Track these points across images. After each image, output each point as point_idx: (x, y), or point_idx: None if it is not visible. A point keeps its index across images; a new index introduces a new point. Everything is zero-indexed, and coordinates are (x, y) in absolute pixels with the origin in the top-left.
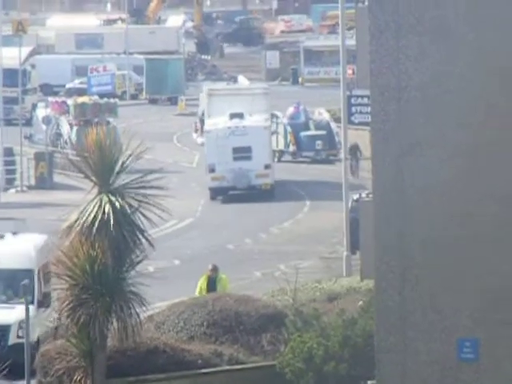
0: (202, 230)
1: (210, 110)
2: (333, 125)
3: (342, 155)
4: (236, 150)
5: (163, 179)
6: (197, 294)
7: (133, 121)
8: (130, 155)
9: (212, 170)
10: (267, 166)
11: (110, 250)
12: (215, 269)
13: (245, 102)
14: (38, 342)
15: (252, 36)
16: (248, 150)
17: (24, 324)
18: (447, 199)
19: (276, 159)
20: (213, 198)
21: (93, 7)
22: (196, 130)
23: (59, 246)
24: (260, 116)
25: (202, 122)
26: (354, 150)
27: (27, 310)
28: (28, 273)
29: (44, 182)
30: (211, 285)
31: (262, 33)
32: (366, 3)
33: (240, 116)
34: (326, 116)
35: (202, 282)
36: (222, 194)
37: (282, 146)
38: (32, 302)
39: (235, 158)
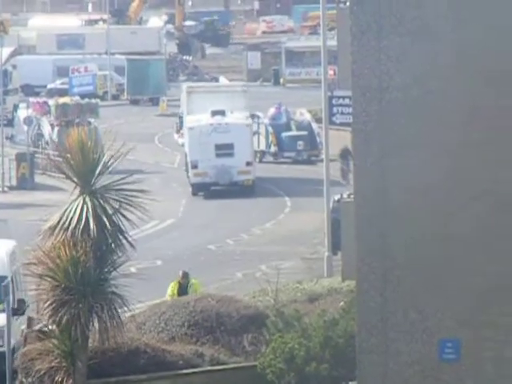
0: (183, 231)
1: (190, 108)
2: (314, 125)
3: (323, 156)
4: (218, 147)
5: (144, 180)
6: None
7: (114, 121)
8: (112, 156)
9: (195, 167)
10: (249, 163)
11: (92, 251)
12: (186, 275)
13: (224, 99)
14: (13, 350)
15: (218, 37)
16: (230, 146)
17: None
18: (429, 200)
19: (257, 160)
20: (195, 193)
21: (74, 8)
22: (177, 131)
23: (41, 246)
24: (240, 113)
25: (182, 122)
26: (345, 154)
27: (8, 313)
28: (2, 279)
29: (25, 183)
30: (183, 291)
31: (229, 34)
32: (348, 4)
33: (221, 113)
34: (307, 116)
35: (172, 289)
36: (205, 189)
37: (263, 147)
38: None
39: (218, 155)
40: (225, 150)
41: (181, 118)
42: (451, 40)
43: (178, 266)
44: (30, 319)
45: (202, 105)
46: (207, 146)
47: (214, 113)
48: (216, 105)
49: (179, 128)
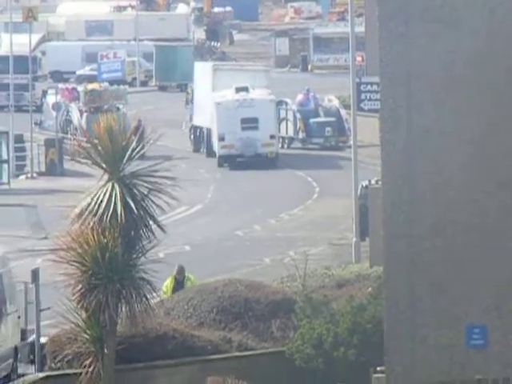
0: (211, 217)
1: (215, 84)
2: (342, 111)
3: (351, 142)
4: (244, 121)
5: (173, 166)
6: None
7: (143, 107)
8: (141, 142)
9: (222, 139)
10: (272, 136)
11: (121, 236)
12: (181, 270)
13: (247, 77)
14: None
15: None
16: (255, 120)
17: None
18: (456, 186)
19: (286, 146)
20: (221, 164)
21: None
22: (187, 104)
23: (69, 232)
24: (263, 90)
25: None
26: None
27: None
28: None
29: (54, 169)
30: (178, 287)
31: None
32: None
33: (245, 89)
34: (335, 103)
35: (168, 284)
36: (231, 161)
37: (291, 133)
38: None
39: (243, 128)
40: (250, 123)
41: (190, 92)
42: (479, 27)
43: (206, 251)
44: (22, 332)
45: (226, 82)
46: (234, 120)
47: (238, 89)
48: (239, 82)
49: (190, 101)
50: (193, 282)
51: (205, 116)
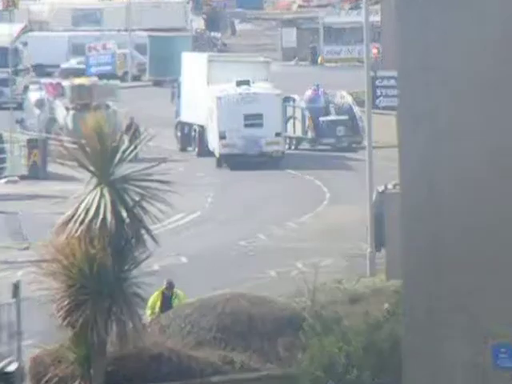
0: (210, 225)
1: (211, 77)
2: (356, 109)
3: (365, 142)
4: (247, 117)
5: (168, 169)
6: (148, 314)
7: (135, 104)
8: (132, 143)
9: (223, 137)
10: (278, 134)
11: (110, 247)
12: (171, 286)
13: (245, 69)
14: None
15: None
16: (259, 117)
17: None
18: (481, 193)
19: (293, 147)
20: (220, 165)
21: None
22: (172, 99)
23: (54, 242)
24: (266, 84)
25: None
26: None
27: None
28: None
29: (37, 172)
30: (166, 303)
31: None
32: None
33: (247, 83)
34: (348, 99)
35: (154, 300)
36: (232, 161)
37: (299, 133)
38: None
39: (246, 125)
40: (254, 120)
41: (177, 86)
42: (505, 16)
43: (204, 263)
44: None
45: (222, 75)
46: (236, 116)
47: (239, 83)
48: (237, 75)
49: (176, 96)
50: (181, 299)
51: (196, 112)
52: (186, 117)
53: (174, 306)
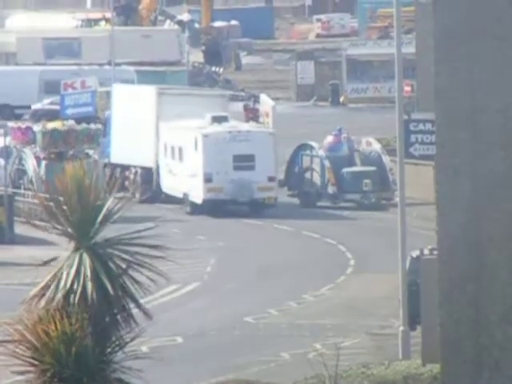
0: (211, 298)
1: (161, 112)
2: (385, 158)
3: (397, 199)
4: (237, 159)
5: (161, 231)
6: None
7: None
8: (119, 199)
9: (209, 180)
10: (271, 179)
11: (91, 324)
12: None
13: (201, 104)
14: None
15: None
16: (251, 158)
17: None
18: None
19: (310, 204)
20: (201, 212)
21: (67, 3)
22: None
23: (24, 319)
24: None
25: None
26: None
27: None
28: None
29: (2, 235)
30: None
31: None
32: None
33: (225, 119)
34: (376, 147)
35: None
36: (218, 208)
37: (317, 187)
38: None
39: (236, 168)
40: (244, 161)
41: (104, 123)
42: None
43: (204, 344)
44: None
45: (173, 109)
46: (224, 157)
47: (216, 118)
48: (190, 109)
49: (102, 134)
50: None
51: (137, 152)
52: (118, 158)
53: None
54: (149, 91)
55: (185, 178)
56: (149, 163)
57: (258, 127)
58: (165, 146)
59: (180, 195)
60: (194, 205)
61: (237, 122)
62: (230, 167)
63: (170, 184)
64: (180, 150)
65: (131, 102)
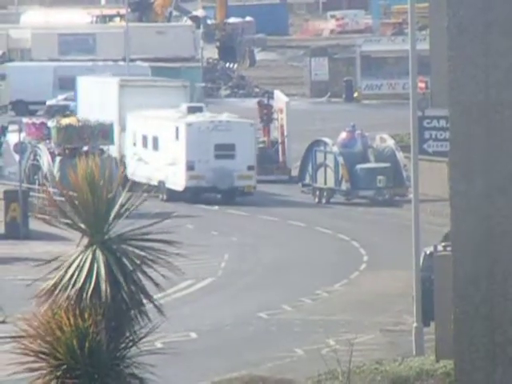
0: (225, 294)
1: (123, 103)
2: (399, 155)
3: (411, 195)
4: (218, 147)
5: (176, 227)
6: None
7: None
8: (132, 195)
9: (191, 168)
10: (250, 168)
11: (105, 320)
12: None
13: (162, 95)
14: None
15: None
16: (231, 147)
17: None
18: None
19: (324, 200)
20: (176, 199)
21: (82, 0)
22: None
23: (37, 314)
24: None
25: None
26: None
27: None
28: None
29: (16, 230)
30: None
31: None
32: None
33: (200, 110)
34: (390, 143)
35: None
36: (199, 194)
37: (331, 184)
38: None
39: (217, 156)
40: (225, 150)
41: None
42: None
43: (218, 339)
44: None
45: (135, 100)
46: (206, 146)
47: (192, 109)
48: (152, 100)
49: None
50: None
51: None
52: None
53: None
54: (111, 83)
55: (161, 166)
56: (113, 152)
57: (237, 117)
58: (134, 136)
59: (154, 183)
60: (171, 192)
61: (212, 113)
62: (211, 156)
63: (140, 172)
64: (155, 139)
65: (94, 94)
